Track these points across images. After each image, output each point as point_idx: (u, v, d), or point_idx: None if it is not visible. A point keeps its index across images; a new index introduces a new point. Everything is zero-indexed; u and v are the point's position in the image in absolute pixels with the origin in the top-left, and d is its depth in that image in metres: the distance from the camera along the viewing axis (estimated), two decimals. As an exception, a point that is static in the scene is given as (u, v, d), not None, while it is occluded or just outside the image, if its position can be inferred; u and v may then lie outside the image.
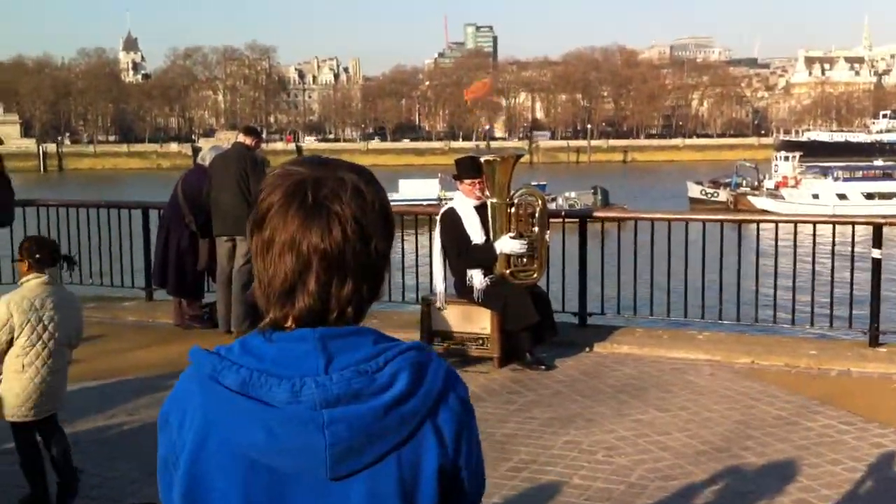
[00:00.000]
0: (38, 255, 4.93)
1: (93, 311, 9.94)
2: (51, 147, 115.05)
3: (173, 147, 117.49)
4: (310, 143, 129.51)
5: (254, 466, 1.40)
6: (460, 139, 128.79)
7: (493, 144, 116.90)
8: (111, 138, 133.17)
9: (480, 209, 7.77)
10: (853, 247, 8.18)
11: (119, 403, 6.81)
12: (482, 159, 7.86)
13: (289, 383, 1.38)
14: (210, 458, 1.42)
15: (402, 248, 10.70)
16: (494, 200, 7.72)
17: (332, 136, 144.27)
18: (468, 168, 7.86)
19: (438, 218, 7.93)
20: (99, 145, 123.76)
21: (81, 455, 5.43)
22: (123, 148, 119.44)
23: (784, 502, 4.99)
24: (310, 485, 1.40)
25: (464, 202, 7.84)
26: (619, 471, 5.44)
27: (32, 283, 4.88)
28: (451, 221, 7.78)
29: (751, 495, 5.10)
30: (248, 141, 9.05)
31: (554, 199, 43.43)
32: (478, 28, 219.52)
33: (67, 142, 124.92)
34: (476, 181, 7.76)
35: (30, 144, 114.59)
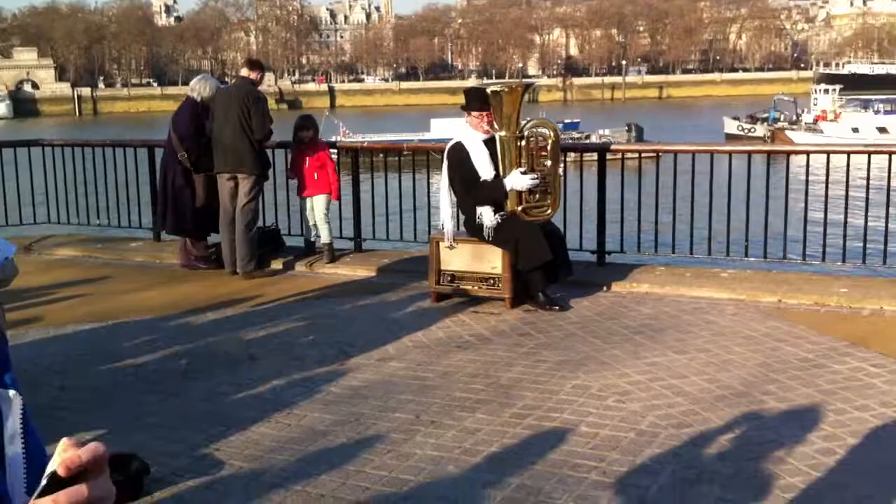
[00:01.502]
0: None
1: (100, 252, 9.82)
2: (85, 91, 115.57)
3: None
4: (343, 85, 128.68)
5: None
6: (493, 77, 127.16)
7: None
8: (144, 81, 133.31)
9: (489, 143, 7.35)
10: (889, 179, 7.67)
11: (110, 347, 6.56)
12: (488, 90, 7.40)
13: None
14: None
15: (413, 186, 10.31)
16: (503, 133, 7.30)
17: (362, 77, 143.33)
18: (475, 98, 7.42)
19: (445, 153, 7.53)
20: (132, 88, 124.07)
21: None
22: (157, 90, 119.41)
23: (807, 452, 4.60)
24: None
25: (472, 135, 7.41)
26: (629, 417, 5.10)
27: None
28: (458, 156, 7.37)
29: (770, 444, 4.72)
30: (253, 74, 8.70)
31: (588, 137, 42.94)
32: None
33: (101, 85, 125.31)
34: (484, 113, 7.33)
35: (65, 88, 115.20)
